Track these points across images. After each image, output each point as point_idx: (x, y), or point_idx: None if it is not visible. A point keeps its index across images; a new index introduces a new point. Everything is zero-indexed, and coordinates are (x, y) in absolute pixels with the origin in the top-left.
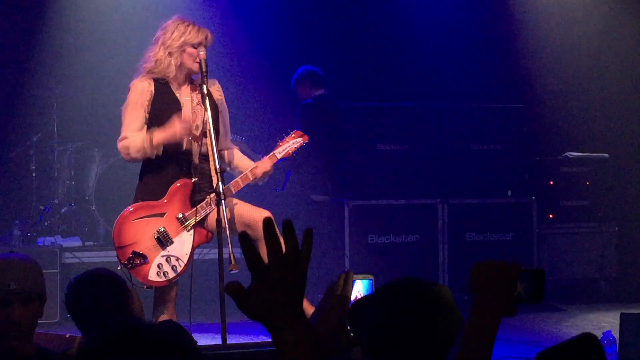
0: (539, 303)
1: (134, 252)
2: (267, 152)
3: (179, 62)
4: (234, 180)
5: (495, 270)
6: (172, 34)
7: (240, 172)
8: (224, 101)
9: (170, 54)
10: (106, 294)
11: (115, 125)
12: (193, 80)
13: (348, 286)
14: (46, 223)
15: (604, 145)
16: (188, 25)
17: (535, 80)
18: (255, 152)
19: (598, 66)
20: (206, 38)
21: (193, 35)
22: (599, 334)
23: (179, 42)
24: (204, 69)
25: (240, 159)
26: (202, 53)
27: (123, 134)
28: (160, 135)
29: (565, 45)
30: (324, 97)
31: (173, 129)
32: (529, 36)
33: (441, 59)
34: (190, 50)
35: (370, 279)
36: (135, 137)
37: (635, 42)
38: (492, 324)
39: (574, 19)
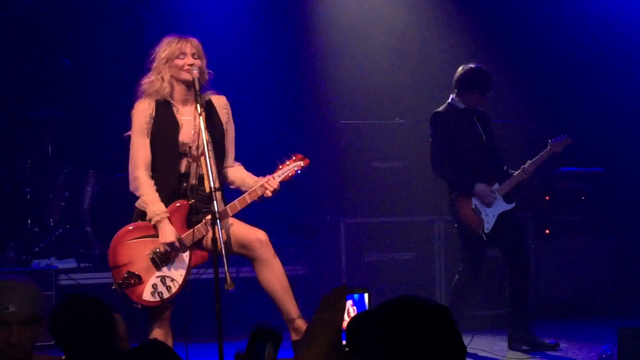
0: None
1: (129, 272)
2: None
3: (169, 77)
4: (240, 197)
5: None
6: (158, 54)
7: (245, 190)
8: (232, 118)
9: (159, 72)
10: (88, 318)
11: (110, 147)
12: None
13: (342, 300)
14: (41, 245)
15: (598, 159)
16: (170, 41)
17: (529, 97)
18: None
19: (592, 80)
20: (190, 45)
21: (174, 46)
22: (597, 349)
23: (164, 58)
24: (197, 87)
25: (245, 177)
26: (196, 71)
27: (138, 165)
28: (162, 228)
29: (558, 60)
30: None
31: (167, 240)
32: (522, 53)
33: (436, 75)
34: (176, 62)
35: (362, 293)
36: (153, 200)
37: (627, 57)
38: None
39: (567, 36)
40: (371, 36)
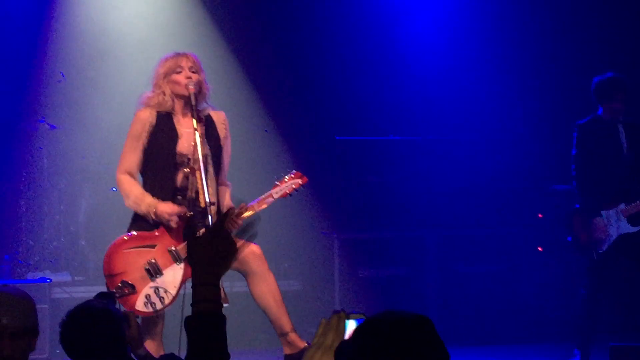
0: None
1: (123, 282)
2: (264, 192)
3: (169, 92)
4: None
5: None
6: (157, 71)
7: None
8: (229, 134)
9: (159, 87)
10: (98, 326)
11: (105, 160)
12: (200, 112)
13: (341, 325)
14: (35, 258)
15: None
16: (168, 57)
17: (523, 113)
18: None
19: (584, 97)
20: (186, 59)
21: (171, 62)
22: None
23: (162, 74)
24: (193, 102)
25: (224, 200)
26: (192, 87)
27: (122, 168)
28: (161, 210)
29: (550, 76)
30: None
31: (172, 211)
32: (515, 70)
33: (430, 92)
34: (174, 77)
35: (362, 318)
36: (143, 196)
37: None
38: None
39: (563, 54)
40: (368, 52)
